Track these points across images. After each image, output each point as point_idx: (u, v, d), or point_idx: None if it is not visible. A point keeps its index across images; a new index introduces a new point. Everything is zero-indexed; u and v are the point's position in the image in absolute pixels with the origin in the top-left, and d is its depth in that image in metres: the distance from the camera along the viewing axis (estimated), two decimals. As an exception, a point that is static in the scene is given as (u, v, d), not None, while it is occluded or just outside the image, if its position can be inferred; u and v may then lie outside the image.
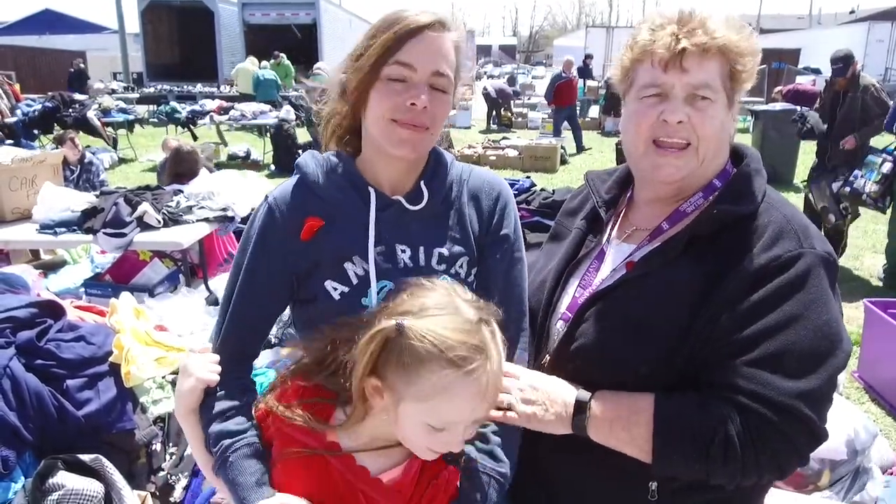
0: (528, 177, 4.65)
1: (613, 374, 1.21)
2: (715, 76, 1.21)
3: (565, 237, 1.49)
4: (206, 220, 4.44)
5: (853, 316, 5.32)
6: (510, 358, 1.26)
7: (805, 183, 7.08)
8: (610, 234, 1.41)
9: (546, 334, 1.36)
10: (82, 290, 4.58)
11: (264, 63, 16.56)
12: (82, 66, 20.92)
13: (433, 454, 1.13)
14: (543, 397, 1.21)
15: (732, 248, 1.18)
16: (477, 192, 1.38)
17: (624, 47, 1.31)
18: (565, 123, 14.72)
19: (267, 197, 1.35)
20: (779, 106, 10.87)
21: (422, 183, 1.34)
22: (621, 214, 1.44)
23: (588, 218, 1.47)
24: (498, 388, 1.13)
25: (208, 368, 1.27)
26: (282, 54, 17.46)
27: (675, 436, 1.11)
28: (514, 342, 1.31)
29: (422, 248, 1.30)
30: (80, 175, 7.12)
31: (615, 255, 1.36)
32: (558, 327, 1.34)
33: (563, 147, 13.25)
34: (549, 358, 1.33)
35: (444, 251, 1.31)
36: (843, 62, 6.42)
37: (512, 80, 25.23)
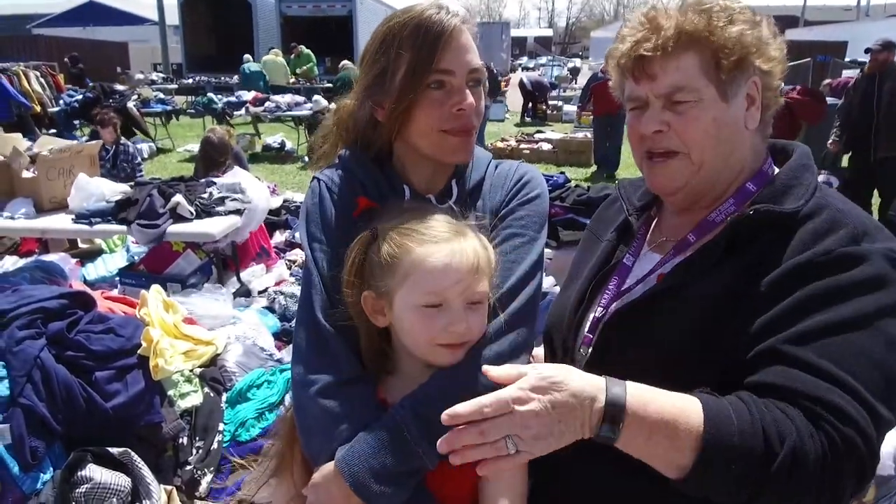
0: (562, 172, 4.55)
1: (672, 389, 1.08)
2: (691, 73, 1.10)
3: (596, 248, 1.38)
4: (238, 211, 4.45)
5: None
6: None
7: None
8: (640, 245, 1.30)
9: (571, 359, 1.25)
10: (118, 279, 4.65)
11: (268, 56, 16.93)
12: (81, 65, 18.32)
13: (446, 352, 1.11)
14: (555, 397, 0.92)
15: (772, 249, 1.05)
16: (498, 183, 1.32)
17: None
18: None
19: (318, 177, 1.34)
20: (824, 100, 10.51)
21: (453, 182, 1.30)
22: (653, 223, 1.33)
23: (620, 228, 1.36)
24: (486, 267, 1.13)
25: None
26: (300, 45, 17.77)
27: (728, 446, 0.90)
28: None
29: None
30: (116, 156, 7.20)
31: (639, 267, 1.26)
32: (581, 351, 1.24)
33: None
34: None
35: None
36: (884, 46, 6.49)
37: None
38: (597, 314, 1.25)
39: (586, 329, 1.25)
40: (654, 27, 1.12)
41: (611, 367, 1.13)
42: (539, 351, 1.48)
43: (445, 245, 1.10)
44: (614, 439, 0.93)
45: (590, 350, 1.22)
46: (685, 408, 0.94)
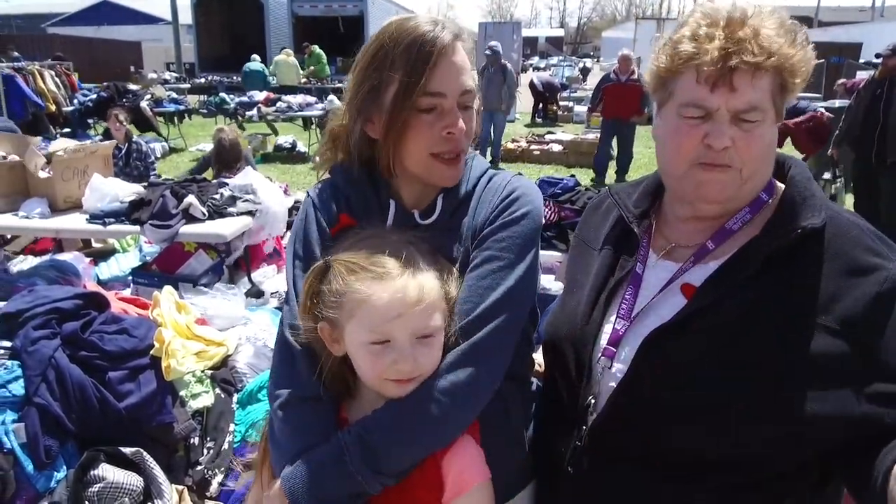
0: (572, 175, 4.55)
1: (700, 418, 1.09)
2: (765, 94, 1.09)
3: (592, 258, 1.37)
4: (249, 212, 4.48)
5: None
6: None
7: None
8: (646, 253, 1.30)
9: (588, 372, 1.24)
10: (130, 278, 4.69)
11: (280, 56, 17.13)
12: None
13: (395, 387, 1.11)
14: None
15: (815, 267, 1.08)
16: (486, 199, 1.29)
17: (658, 52, 1.18)
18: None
19: (308, 192, 1.38)
20: (837, 103, 10.45)
21: (439, 198, 1.29)
22: (653, 229, 1.33)
23: (615, 235, 1.35)
24: (438, 301, 1.12)
25: None
26: (313, 45, 17.94)
27: None
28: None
29: None
30: (129, 154, 7.22)
31: (655, 276, 1.26)
32: (601, 364, 1.22)
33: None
34: (594, 400, 1.22)
35: None
36: (895, 51, 6.46)
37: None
38: (617, 327, 1.23)
39: (604, 341, 1.24)
40: (747, 36, 1.07)
41: (651, 387, 1.14)
42: (539, 358, 1.48)
43: (389, 283, 1.08)
44: None
45: (612, 363, 1.21)
46: None
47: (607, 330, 1.25)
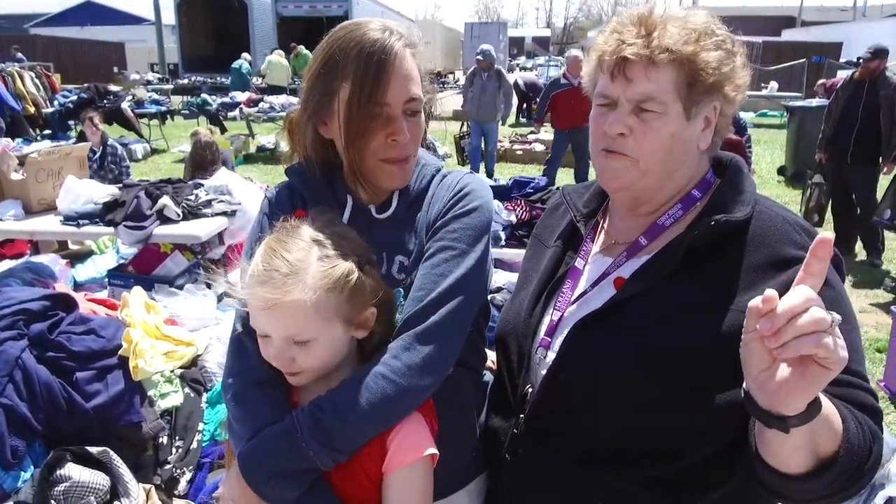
0: (544, 175, 4.60)
1: (620, 403, 1.13)
2: (665, 87, 1.13)
3: (543, 255, 1.42)
4: (224, 213, 4.49)
5: (882, 322, 5.17)
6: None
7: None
8: (588, 249, 1.34)
9: (527, 362, 1.28)
10: (107, 280, 4.69)
11: (272, 57, 17.35)
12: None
13: (288, 378, 1.17)
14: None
15: (737, 259, 1.12)
16: (440, 195, 1.33)
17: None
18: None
19: (266, 195, 1.43)
20: (815, 102, 10.59)
21: (395, 193, 1.33)
22: (600, 227, 1.38)
23: (566, 234, 1.40)
24: (324, 310, 1.11)
25: None
26: (300, 46, 18.02)
27: (855, 446, 0.94)
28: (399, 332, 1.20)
29: (384, 255, 1.30)
30: (104, 157, 7.20)
31: (592, 270, 1.30)
32: (538, 354, 1.27)
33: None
34: (531, 389, 1.26)
35: (405, 260, 1.30)
36: (875, 54, 6.51)
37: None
38: (553, 318, 1.28)
39: (542, 332, 1.29)
40: (646, 32, 1.14)
41: (575, 372, 1.18)
42: (493, 355, 1.52)
43: (269, 288, 1.08)
44: (812, 416, 0.87)
45: (547, 353, 1.25)
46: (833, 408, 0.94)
47: (546, 322, 1.29)
